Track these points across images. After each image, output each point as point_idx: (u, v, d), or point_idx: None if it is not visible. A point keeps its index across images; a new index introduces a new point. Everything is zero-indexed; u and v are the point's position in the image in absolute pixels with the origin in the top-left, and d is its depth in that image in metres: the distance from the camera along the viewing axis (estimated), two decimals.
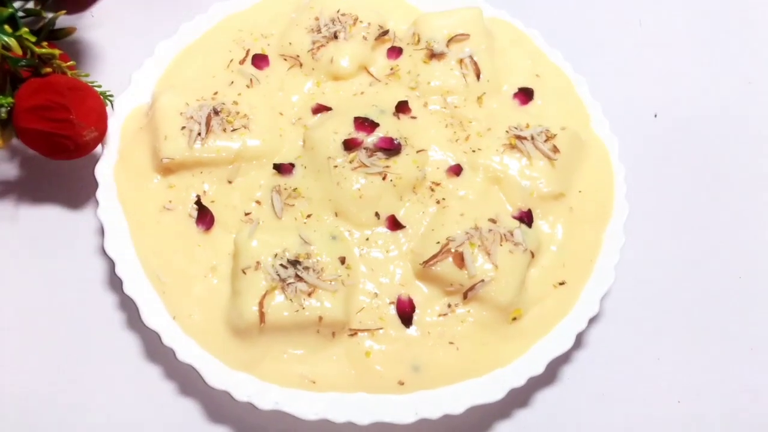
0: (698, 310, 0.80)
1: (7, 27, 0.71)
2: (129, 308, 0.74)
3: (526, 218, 0.77)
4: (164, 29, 0.88)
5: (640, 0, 1.05)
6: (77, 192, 0.80)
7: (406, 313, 0.71)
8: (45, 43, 0.75)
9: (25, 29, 0.72)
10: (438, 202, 0.77)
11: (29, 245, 0.77)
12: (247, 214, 0.75)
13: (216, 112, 0.77)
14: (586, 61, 0.92)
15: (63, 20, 0.91)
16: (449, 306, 0.72)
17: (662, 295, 0.80)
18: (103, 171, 0.75)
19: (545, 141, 0.79)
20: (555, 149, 0.79)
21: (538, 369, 0.70)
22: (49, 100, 0.69)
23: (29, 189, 0.80)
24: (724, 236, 0.84)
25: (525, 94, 0.86)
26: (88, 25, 0.93)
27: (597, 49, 0.99)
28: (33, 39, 0.73)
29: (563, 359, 0.75)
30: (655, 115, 0.94)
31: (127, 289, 0.69)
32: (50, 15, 0.83)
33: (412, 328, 0.71)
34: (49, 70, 0.72)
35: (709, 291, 0.81)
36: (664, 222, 0.85)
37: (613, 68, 0.98)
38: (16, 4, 0.81)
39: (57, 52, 0.73)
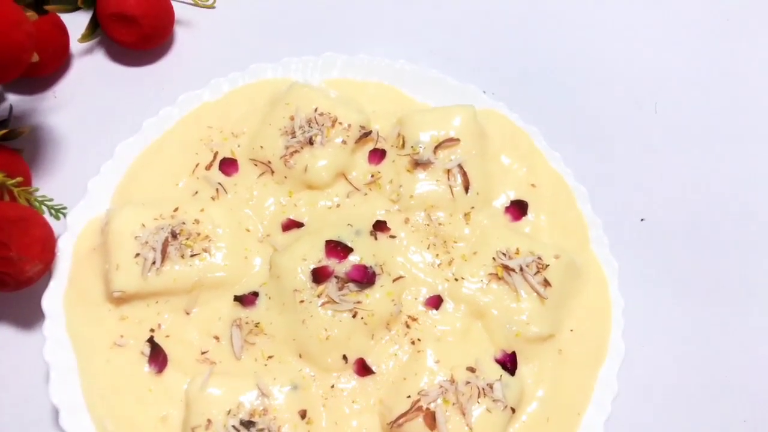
0: None
1: None
2: None
3: (509, 363, 0.70)
4: (129, 115, 0.82)
5: (655, 86, 0.95)
6: (25, 312, 0.74)
7: None
8: None
9: None
10: (413, 343, 0.70)
11: None
12: (203, 353, 0.69)
13: (174, 236, 0.71)
14: (589, 164, 0.84)
15: (23, 103, 0.85)
16: None
17: None
18: (51, 301, 0.70)
19: (536, 273, 0.72)
20: (546, 283, 0.72)
21: None
22: None
23: None
24: (728, 379, 0.76)
25: (518, 208, 0.79)
26: (50, 109, 0.86)
27: (602, 147, 0.89)
28: None
29: None
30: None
31: None
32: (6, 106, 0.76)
33: None
34: None
35: None
36: (660, 361, 0.77)
37: (621, 170, 0.88)
38: None
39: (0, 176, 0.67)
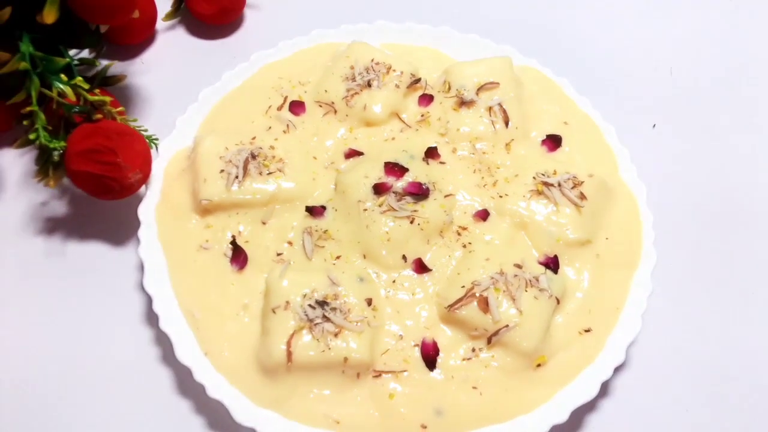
0: (726, 360, 0.79)
1: (63, 76, 0.77)
2: (163, 343, 0.77)
3: (552, 264, 0.78)
4: (208, 76, 0.93)
5: (670, 48, 1.06)
6: (121, 229, 0.84)
7: (430, 356, 0.72)
8: (97, 90, 0.80)
9: (80, 78, 0.77)
10: (464, 246, 0.79)
11: (75, 279, 0.81)
12: (279, 255, 0.78)
13: (253, 156, 0.81)
14: (615, 110, 0.94)
15: (115, 68, 0.98)
16: (473, 350, 0.72)
17: (690, 343, 0.80)
18: (146, 211, 0.79)
19: (572, 188, 0.81)
20: (582, 196, 0.80)
21: (562, 417, 0.69)
22: (98, 144, 0.74)
23: (77, 226, 0.85)
24: (753, 284, 0.83)
25: (553, 141, 0.88)
26: (138, 72, 0.99)
27: (626, 98, 1.00)
28: (86, 86, 0.78)
29: (588, 407, 0.74)
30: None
31: (163, 325, 0.72)
32: (103, 64, 0.89)
33: (436, 371, 0.72)
34: (99, 116, 0.77)
35: (737, 340, 0.80)
36: (693, 270, 0.85)
37: (642, 118, 0.98)
38: (73, 53, 0.87)
39: (108, 99, 0.78)
